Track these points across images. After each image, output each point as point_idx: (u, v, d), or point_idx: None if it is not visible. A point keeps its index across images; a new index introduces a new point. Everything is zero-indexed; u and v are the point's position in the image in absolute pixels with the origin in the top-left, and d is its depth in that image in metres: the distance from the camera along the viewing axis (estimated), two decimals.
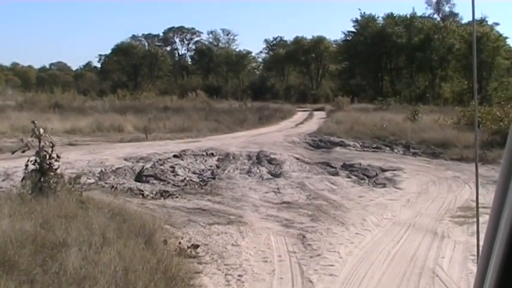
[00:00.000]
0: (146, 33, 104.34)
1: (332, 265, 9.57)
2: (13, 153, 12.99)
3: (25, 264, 7.36)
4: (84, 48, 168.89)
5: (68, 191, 12.38)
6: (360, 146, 28.35)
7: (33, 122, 12.69)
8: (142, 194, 15.82)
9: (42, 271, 7.22)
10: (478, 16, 72.88)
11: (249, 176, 19.31)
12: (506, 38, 75.79)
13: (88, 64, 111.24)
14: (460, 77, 74.48)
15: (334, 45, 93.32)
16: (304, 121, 45.72)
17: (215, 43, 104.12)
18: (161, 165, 20.49)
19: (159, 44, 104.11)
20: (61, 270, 7.20)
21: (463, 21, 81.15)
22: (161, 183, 17.69)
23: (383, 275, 9.11)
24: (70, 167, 18.07)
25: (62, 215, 10.10)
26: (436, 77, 78.61)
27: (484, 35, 69.39)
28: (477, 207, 2.76)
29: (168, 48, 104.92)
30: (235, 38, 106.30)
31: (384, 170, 20.53)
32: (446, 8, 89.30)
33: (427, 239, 11.38)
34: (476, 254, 1.29)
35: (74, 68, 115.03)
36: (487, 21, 78.28)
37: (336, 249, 10.53)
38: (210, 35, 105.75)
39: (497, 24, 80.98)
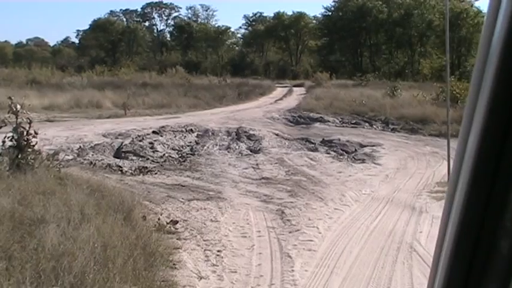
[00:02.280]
0: (124, 8, 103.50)
1: (311, 240, 9.62)
2: None
3: (3, 240, 7.31)
4: (62, 23, 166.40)
5: (46, 167, 12.32)
6: (339, 121, 28.44)
7: (9, 98, 12.55)
8: (121, 170, 15.78)
9: (20, 247, 7.18)
10: None
11: (228, 152, 19.32)
12: None
13: (66, 40, 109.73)
14: (439, 53, 74.51)
15: (314, 21, 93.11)
16: (284, 97, 45.68)
17: (194, 19, 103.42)
18: (140, 141, 20.43)
19: (138, 19, 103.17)
20: (39, 247, 7.17)
21: None
22: (140, 159, 17.65)
23: (361, 249, 9.18)
24: (48, 143, 17.98)
25: (40, 192, 10.04)
26: (415, 53, 78.79)
27: (463, 11, 69.51)
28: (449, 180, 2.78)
29: (147, 24, 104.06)
30: (214, 13, 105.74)
31: (362, 146, 20.62)
32: None
33: (405, 214, 11.47)
34: None
35: (51, 44, 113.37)
36: None
37: (315, 225, 10.58)
38: (189, 11, 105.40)
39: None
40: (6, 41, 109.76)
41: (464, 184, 1.06)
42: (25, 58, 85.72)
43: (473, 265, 1.11)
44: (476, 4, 77.30)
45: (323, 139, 22.00)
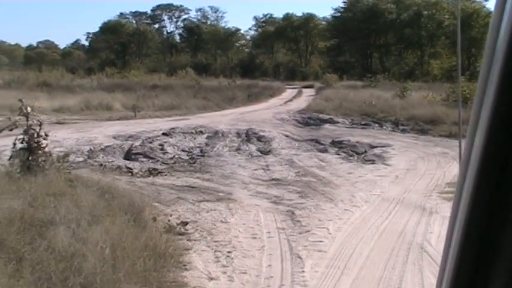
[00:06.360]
0: (134, 10, 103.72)
1: (321, 241, 9.59)
2: (0, 131, 12.93)
3: (13, 242, 7.33)
4: (72, 26, 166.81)
5: (56, 169, 12.34)
6: (349, 123, 28.40)
7: (20, 100, 12.62)
8: (131, 172, 15.80)
9: (31, 249, 7.20)
10: None
11: (238, 153, 19.32)
12: None
13: (76, 42, 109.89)
14: (449, 53, 74.35)
15: (323, 22, 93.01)
16: (293, 98, 45.69)
17: (203, 21, 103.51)
18: (150, 143, 20.48)
19: (147, 21, 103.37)
20: (50, 248, 7.19)
21: None
22: (150, 161, 17.67)
23: (372, 250, 9.15)
24: (58, 145, 18.03)
25: (51, 193, 10.06)
26: (425, 54, 78.60)
27: (474, 12, 69.32)
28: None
29: (156, 26, 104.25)
30: (223, 15, 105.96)
31: (372, 147, 20.56)
32: None
33: (415, 214, 11.43)
34: None
35: (61, 47, 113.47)
36: None
37: (325, 226, 10.55)
38: (199, 13, 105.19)
39: (486, 0, 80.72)
40: (17, 44, 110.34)
41: (471, 183, 1.07)
42: (35, 61, 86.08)
43: (480, 264, 1.11)
44: (488, 5, 77.09)
45: (333, 140, 21.96)
